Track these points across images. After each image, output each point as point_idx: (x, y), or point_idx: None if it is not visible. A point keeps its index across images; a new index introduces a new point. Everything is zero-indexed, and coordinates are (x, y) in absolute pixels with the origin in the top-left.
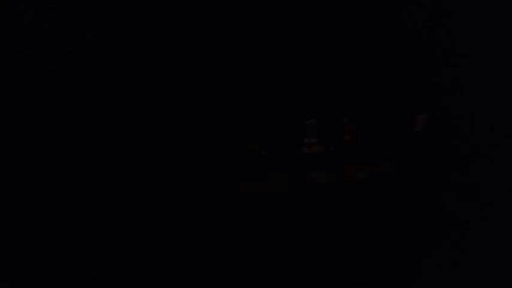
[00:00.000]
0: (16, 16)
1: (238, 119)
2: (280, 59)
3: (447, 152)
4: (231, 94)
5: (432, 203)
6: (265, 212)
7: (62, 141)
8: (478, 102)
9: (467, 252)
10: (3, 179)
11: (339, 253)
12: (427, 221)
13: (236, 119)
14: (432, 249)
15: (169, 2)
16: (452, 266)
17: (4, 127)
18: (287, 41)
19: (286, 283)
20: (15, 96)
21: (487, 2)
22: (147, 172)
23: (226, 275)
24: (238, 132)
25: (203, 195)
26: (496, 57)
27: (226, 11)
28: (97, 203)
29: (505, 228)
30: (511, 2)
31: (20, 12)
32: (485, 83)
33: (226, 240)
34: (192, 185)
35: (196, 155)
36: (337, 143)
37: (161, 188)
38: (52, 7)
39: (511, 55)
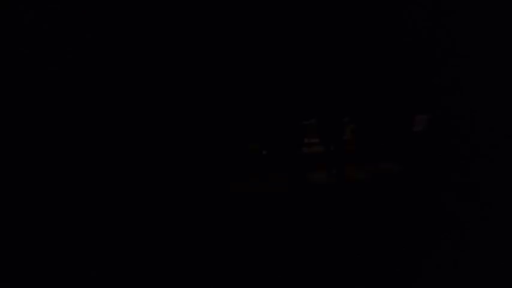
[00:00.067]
0: (16, 16)
1: (239, 119)
2: (280, 60)
3: (447, 152)
4: (231, 95)
5: (432, 203)
6: (265, 212)
7: (62, 140)
8: (478, 102)
9: (467, 252)
10: (3, 179)
11: (339, 253)
12: (428, 221)
13: (236, 119)
14: (432, 249)
15: (169, 2)
16: (452, 265)
17: (4, 127)
18: (287, 42)
19: (286, 282)
20: (15, 96)
21: (487, 2)
22: (148, 172)
23: (226, 273)
24: (238, 132)
25: (203, 195)
26: (496, 57)
27: (227, 12)
28: (93, 198)
29: (505, 228)
30: (511, 2)
31: (20, 12)
32: (485, 83)
33: (226, 240)
34: (192, 184)
35: (196, 155)
36: (337, 143)
37: (161, 187)
38: (52, 7)
39: (511, 55)
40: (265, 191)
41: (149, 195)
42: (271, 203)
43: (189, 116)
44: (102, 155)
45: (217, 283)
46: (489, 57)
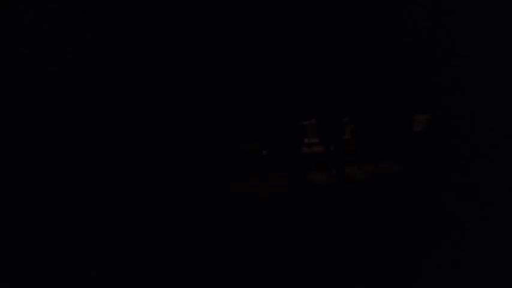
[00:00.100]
0: (16, 16)
1: (239, 119)
2: (280, 60)
3: (447, 152)
4: (231, 95)
5: (432, 203)
6: (265, 212)
7: (61, 140)
8: (478, 102)
9: (467, 252)
10: (3, 179)
11: (339, 253)
12: (428, 221)
13: (236, 119)
14: (432, 249)
15: (169, 3)
16: (452, 265)
17: (4, 127)
18: (287, 42)
19: (287, 283)
20: (15, 96)
21: (487, 2)
22: (148, 172)
23: (226, 273)
24: (238, 132)
25: (203, 195)
26: (496, 57)
27: (227, 12)
28: (91, 198)
29: (505, 228)
30: (511, 2)
31: (20, 12)
32: (485, 83)
33: (226, 240)
34: (192, 184)
35: (196, 155)
36: (337, 143)
37: (162, 187)
38: (52, 7)
39: (511, 55)
40: (265, 191)
41: (149, 195)
42: (271, 203)
43: (188, 116)
44: (101, 155)
45: (217, 283)
46: (489, 57)
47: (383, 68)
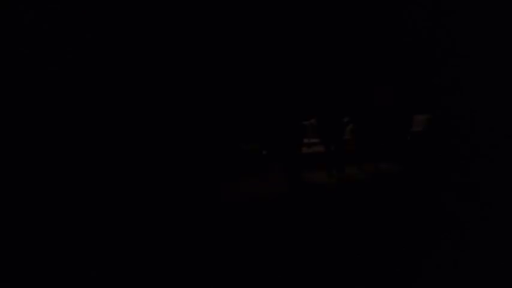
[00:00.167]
0: (16, 16)
1: (239, 119)
2: (280, 60)
3: (447, 152)
4: (231, 95)
5: (432, 203)
6: (265, 212)
7: (60, 140)
8: (478, 102)
9: (467, 252)
10: (3, 179)
11: (339, 253)
12: (428, 221)
13: (236, 119)
14: (432, 249)
15: (169, 3)
16: (452, 265)
17: (4, 127)
18: (287, 42)
19: (287, 283)
20: (15, 96)
21: (487, 2)
22: (148, 172)
23: (225, 273)
24: (238, 132)
25: (203, 195)
26: (496, 57)
27: (227, 12)
28: (87, 197)
29: (505, 228)
30: (511, 2)
31: (20, 12)
32: (485, 83)
33: (226, 240)
34: (192, 184)
35: (196, 155)
36: (337, 143)
37: (162, 187)
38: (52, 7)
39: (511, 55)
40: (265, 191)
41: (149, 195)
42: (271, 203)
43: (188, 116)
44: (98, 154)
45: (217, 283)
46: (489, 57)
47: (383, 68)
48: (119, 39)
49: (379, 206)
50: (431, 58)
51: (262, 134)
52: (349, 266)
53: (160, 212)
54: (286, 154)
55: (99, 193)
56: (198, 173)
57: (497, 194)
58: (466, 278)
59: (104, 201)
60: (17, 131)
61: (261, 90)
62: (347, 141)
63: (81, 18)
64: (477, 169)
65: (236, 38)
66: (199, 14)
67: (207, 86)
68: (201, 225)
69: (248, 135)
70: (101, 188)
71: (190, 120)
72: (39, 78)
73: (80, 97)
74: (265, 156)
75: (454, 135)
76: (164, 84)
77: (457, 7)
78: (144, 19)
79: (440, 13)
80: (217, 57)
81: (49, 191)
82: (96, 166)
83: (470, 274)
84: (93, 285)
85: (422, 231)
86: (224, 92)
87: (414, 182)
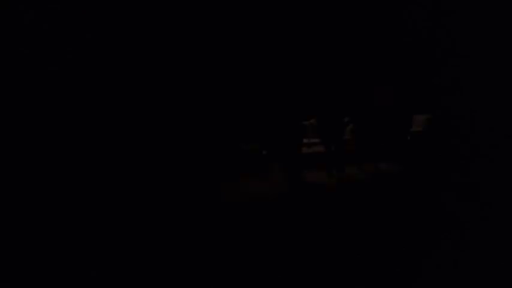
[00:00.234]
0: (16, 16)
1: (239, 119)
2: (280, 60)
3: (447, 152)
4: (231, 95)
5: (432, 203)
6: (265, 212)
7: (59, 140)
8: (477, 102)
9: (467, 252)
10: (3, 179)
11: (339, 252)
12: (428, 221)
13: (236, 119)
14: (432, 249)
15: (169, 3)
16: (452, 265)
17: (4, 127)
18: (287, 42)
19: (287, 282)
20: (15, 96)
21: (487, 2)
22: (148, 172)
23: (225, 272)
24: (238, 132)
25: (203, 195)
26: (496, 58)
27: (227, 12)
28: (85, 197)
29: (505, 228)
30: (511, 2)
31: (20, 12)
32: (485, 83)
33: (226, 240)
34: (192, 184)
35: (196, 155)
36: (337, 143)
37: (162, 187)
38: (52, 7)
39: (511, 55)
40: (265, 191)
41: (149, 195)
42: (271, 203)
43: (188, 115)
44: (98, 154)
45: (217, 283)
46: (489, 57)
47: (383, 68)
48: (119, 39)
49: (379, 206)
50: (431, 58)
51: (262, 134)
52: (350, 266)
53: (160, 211)
54: (286, 154)
55: (99, 193)
56: (198, 173)
57: (497, 194)
58: (466, 278)
59: (104, 201)
60: (17, 131)
61: (260, 90)
62: (347, 141)
63: (81, 18)
64: (477, 169)
65: (236, 38)
66: (199, 14)
67: (207, 86)
68: (201, 225)
69: (248, 135)
70: (100, 188)
71: (190, 120)
72: (39, 78)
73: (80, 97)
74: (265, 156)
75: (454, 135)
76: (164, 84)
77: (457, 7)
78: (144, 19)
79: (440, 13)
80: (217, 57)
81: (49, 190)
82: (96, 166)
83: (470, 274)
84: (93, 285)
85: (422, 231)
86: (224, 92)
87: (414, 182)
